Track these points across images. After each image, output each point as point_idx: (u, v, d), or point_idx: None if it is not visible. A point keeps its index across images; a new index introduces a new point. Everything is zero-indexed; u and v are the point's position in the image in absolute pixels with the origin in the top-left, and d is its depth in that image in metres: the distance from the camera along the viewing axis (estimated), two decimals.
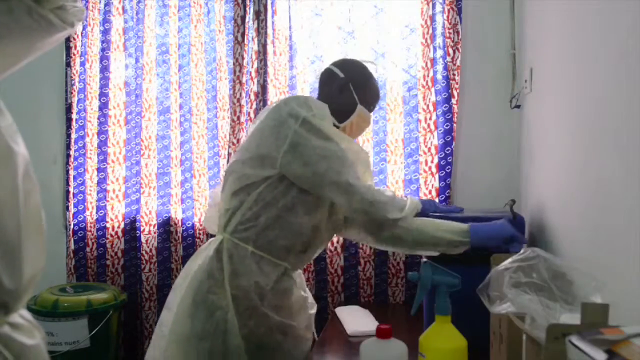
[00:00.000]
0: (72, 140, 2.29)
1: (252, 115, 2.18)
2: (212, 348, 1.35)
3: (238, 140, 2.19)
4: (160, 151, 2.28)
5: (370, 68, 1.60)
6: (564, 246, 1.42)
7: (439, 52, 2.09)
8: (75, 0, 1.12)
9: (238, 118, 2.19)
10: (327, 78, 1.57)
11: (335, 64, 1.59)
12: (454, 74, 2.08)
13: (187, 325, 1.37)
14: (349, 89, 1.53)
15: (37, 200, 0.95)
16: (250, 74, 2.19)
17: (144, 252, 2.25)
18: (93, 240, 2.29)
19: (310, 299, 1.57)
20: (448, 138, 2.08)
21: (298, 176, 1.39)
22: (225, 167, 2.17)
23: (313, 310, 1.56)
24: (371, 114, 1.59)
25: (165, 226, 2.28)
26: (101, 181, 2.30)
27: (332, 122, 1.47)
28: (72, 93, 2.31)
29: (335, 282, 2.15)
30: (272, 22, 2.18)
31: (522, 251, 1.04)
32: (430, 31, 2.09)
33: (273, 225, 1.40)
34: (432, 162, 2.10)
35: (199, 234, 2.25)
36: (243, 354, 1.36)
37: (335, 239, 2.11)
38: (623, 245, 1.03)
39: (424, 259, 1.40)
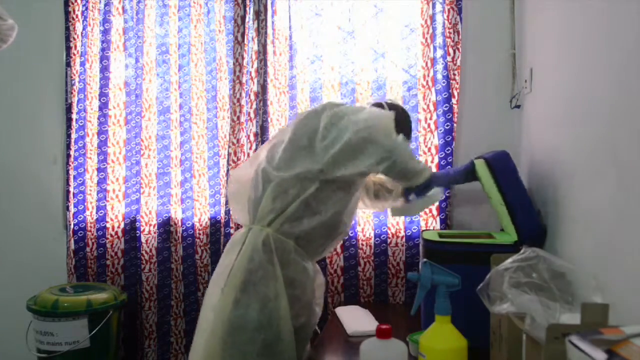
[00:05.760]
0: (72, 140, 2.28)
1: (252, 115, 2.18)
2: (267, 338, 1.39)
3: (238, 140, 2.19)
4: (160, 151, 2.28)
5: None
6: (563, 246, 1.42)
7: (439, 52, 2.09)
8: (5, 19, 1.11)
9: (238, 118, 2.19)
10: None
11: (389, 104, 1.73)
12: (454, 74, 2.08)
13: (238, 314, 1.40)
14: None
15: None
16: (250, 74, 2.19)
17: (144, 252, 2.25)
18: (93, 240, 2.29)
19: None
20: (448, 138, 2.08)
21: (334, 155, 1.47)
22: (229, 168, 2.19)
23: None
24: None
25: (165, 226, 2.28)
26: (101, 181, 2.30)
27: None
28: (72, 93, 2.31)
29: (335, 282, 2.15)
30: (272, 22, 2.18)
31: (522, 251, 1.04)
32: (431, 31, 2.09)
33: (314, 230, 1.50)
34: (432, 162, 2.10)
35: (199, 234, 2.25)
36: (293, 340, 1.42)
37: None
38: (623, 245, 1.03)
39: (424, 259, 1.40)
